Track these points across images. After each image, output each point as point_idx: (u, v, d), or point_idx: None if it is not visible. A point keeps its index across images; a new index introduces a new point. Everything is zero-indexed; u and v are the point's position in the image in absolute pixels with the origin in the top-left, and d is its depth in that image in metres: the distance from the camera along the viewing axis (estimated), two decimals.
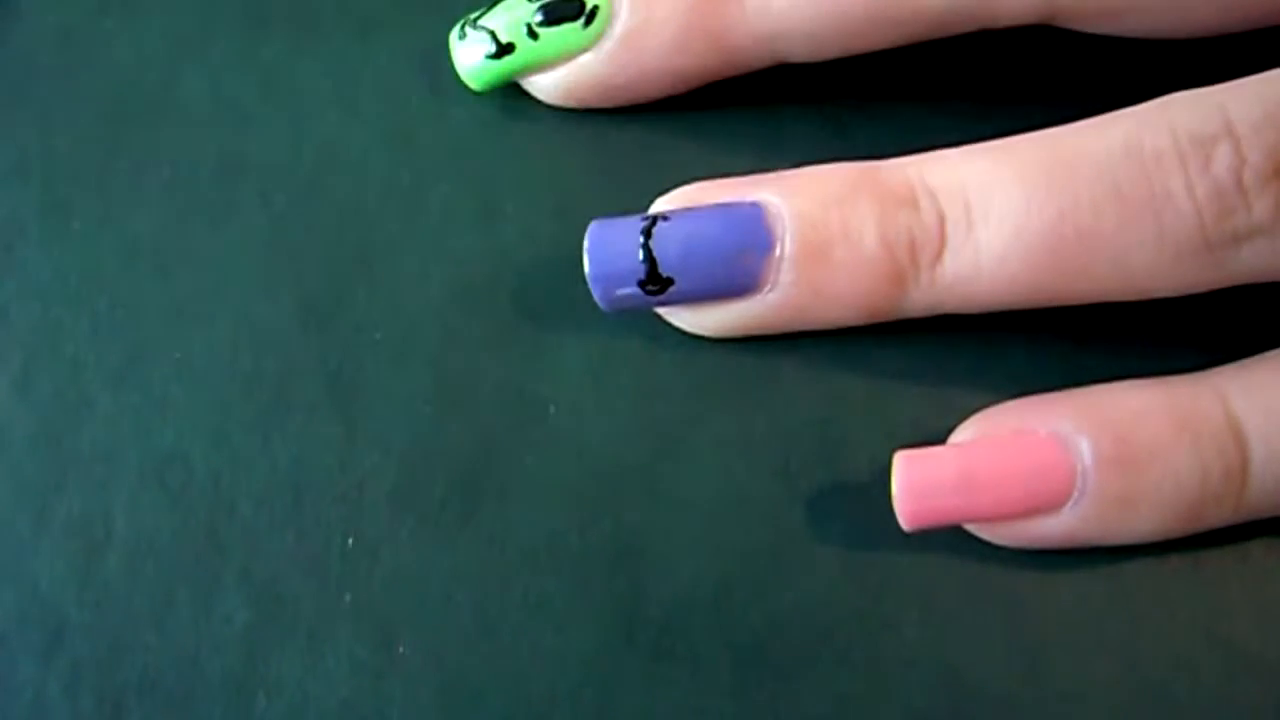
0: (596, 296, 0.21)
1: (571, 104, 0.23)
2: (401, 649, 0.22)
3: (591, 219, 0.22)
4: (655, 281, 0.21)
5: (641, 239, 0.21)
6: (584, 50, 0.23)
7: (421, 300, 0.24)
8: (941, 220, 0.20)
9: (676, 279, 0.21)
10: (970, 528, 0.21)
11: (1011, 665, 0.21)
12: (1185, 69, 0.20)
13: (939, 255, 0.20)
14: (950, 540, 0.21)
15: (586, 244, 0.21)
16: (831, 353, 0.22)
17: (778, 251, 0.21)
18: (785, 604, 0.22)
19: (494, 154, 0.24)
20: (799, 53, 0.23)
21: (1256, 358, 0.21)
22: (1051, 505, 0.20)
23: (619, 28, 0.22)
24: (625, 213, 0.21)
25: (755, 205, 0.21)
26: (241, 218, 0.24)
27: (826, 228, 0.21)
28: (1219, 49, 0.21)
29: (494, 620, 0.22)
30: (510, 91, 0.24)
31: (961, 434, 0.21)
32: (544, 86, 0.23)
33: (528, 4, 0.23)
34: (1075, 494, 0.20)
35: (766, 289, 0.21)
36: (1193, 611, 0.21)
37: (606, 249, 0.21)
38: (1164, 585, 0.21)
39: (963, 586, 0.21)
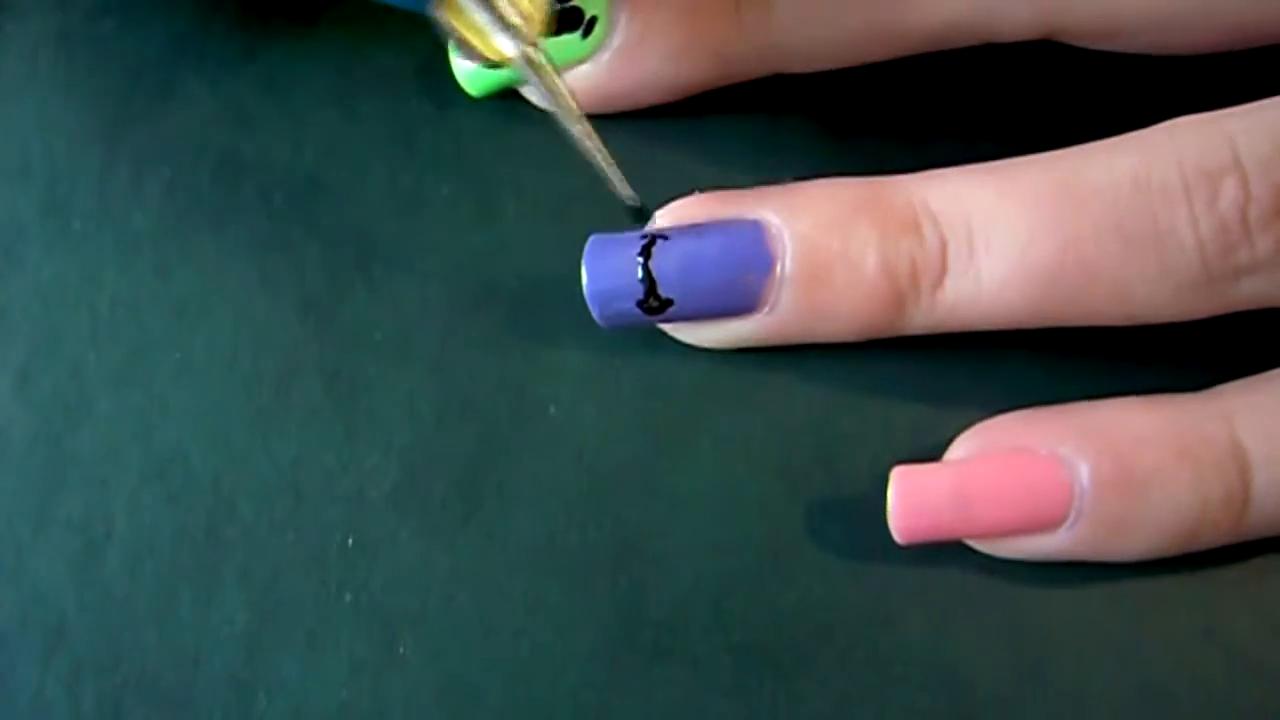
0: (595, 314, 0.21)
1: None
2: (401, 649, 0.22)
3: (591, 222, 0.21)
4: (654, 301, 0.21)
5: (640, 259, 0.21)
6: (583, 60, 0.23)
7: (421, 300, 0.24)
8: (943, 246, 0.20)
9: (676, 299, 0.21)
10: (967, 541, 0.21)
11: (1011, 665, 0.21)
12: (1186, 85, 0.20)
13: (940, 281, 0.20)
14: (951, 540, 0.21)
15: (585, 261, 0.21)
16: (831, 353, 0.22)
17: (778, 272, 0.21)
18: (785, 604, 0.22)
19: (494, 155, 0.24)
20: (797, 64, 0.22)
21: (1263, 376, 0.20)
22: (1047, 525, 0.20)
23: (617, 38, 0.22)
24: (625, 229, 0.21)
25: (756, 225, 0.21)
26: (241, 218, 0.24)
27: (827, 250, 0.20)
28: (1219, 65, 0.21)
29: (494, 620, 0.22)
30: (510, 92, 0.24)
31: (959, 448, 0.21)
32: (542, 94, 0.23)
33: None
34: (1072, 515, 0.20)
35: (766, 309, 0.21)
36: (1193, 612, 0.21)
37: (605, 267, 0.21)
38: (1164, 586, 0.21)
39: (963, 586, 0.21)
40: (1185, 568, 0.21)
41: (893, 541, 0.21)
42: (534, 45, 0.19)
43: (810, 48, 0.22)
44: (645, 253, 0.21)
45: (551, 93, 0.19)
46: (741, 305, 0.21)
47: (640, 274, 0.21)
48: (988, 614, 0.21)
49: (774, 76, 0.23)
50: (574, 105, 0.20)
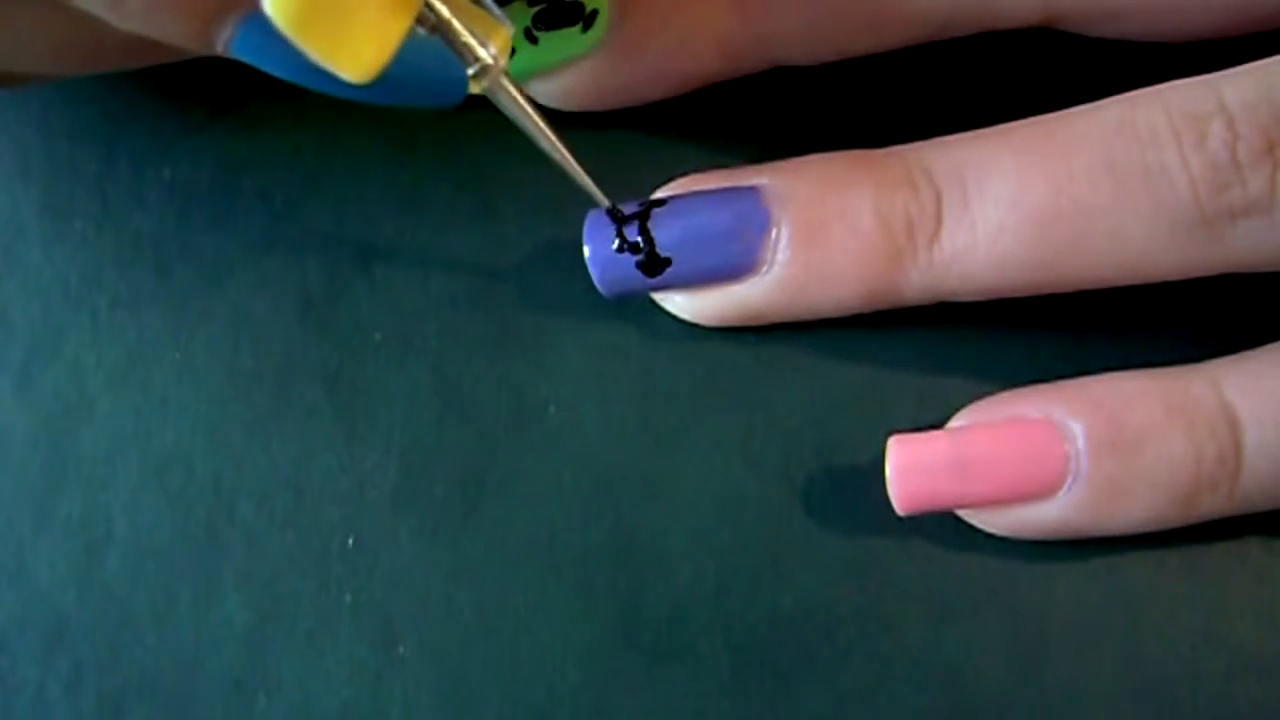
0: (595, 279, 0.22)
1: (571, 107, 0.23)
2: (401, 649, 0.22)
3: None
4: (653, 262, 0.21)
5: (639, 221, 0.21)
6: (583, 54, 0.23)
7: (421, 300, 0.24)
8: (938, 198, 0.20)
9: (674, 259, 0.21)
10: (966, 515, 0.21)
11: (1011, 665, 0.21)
12: (1185, 72, 0.20)
13: (936, 233, 0.20)
14: (951, 540, 0.21)
15: (585, 230, 0.21)
16: (831, 353, 0.22)
17: (774, 232, 0.21)
18: (785, 604, 0.22)
19: (494, 155, 0.24)
20: (798, 56, 0.22)
21: (1251, 350, 0.21)
22: (1046, 489, 0.20)
23: (618, 31, 0.22)
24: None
25: (752, 187, 0.21)
26: (241, 218, 0.24)
27: (823, 207, 0.21)
28: (1218, 52, 0.21)
29: (494, 620, 0.22)
30: None
31: (955, 422, 0.21)
32: (543, 90, 0.23)
33: (526, 8, 0.23)
34: (1069, 478, 0.20)
35: (764, 269, 0.21)
36: (1192, 611, 0.21)
37: (605, 231, 0.21)
38: (1163, 585, 0.21)
39: (963, 586, 0.21)
40: (1184, 567, 0.21)
41: (894, 542, 0.21)
42: (497, 68, 0.18)
43: (812, 37, 0.22)
44: (644, 215, 0.21)
45: (517, 111, 0.19)
46: (740, 264, 0.21)
47: (639, 236, 0.21)
48: (987, 614, 0.21)
49: (775, 71, 0.23)
50: (540, 121, 0.20)
